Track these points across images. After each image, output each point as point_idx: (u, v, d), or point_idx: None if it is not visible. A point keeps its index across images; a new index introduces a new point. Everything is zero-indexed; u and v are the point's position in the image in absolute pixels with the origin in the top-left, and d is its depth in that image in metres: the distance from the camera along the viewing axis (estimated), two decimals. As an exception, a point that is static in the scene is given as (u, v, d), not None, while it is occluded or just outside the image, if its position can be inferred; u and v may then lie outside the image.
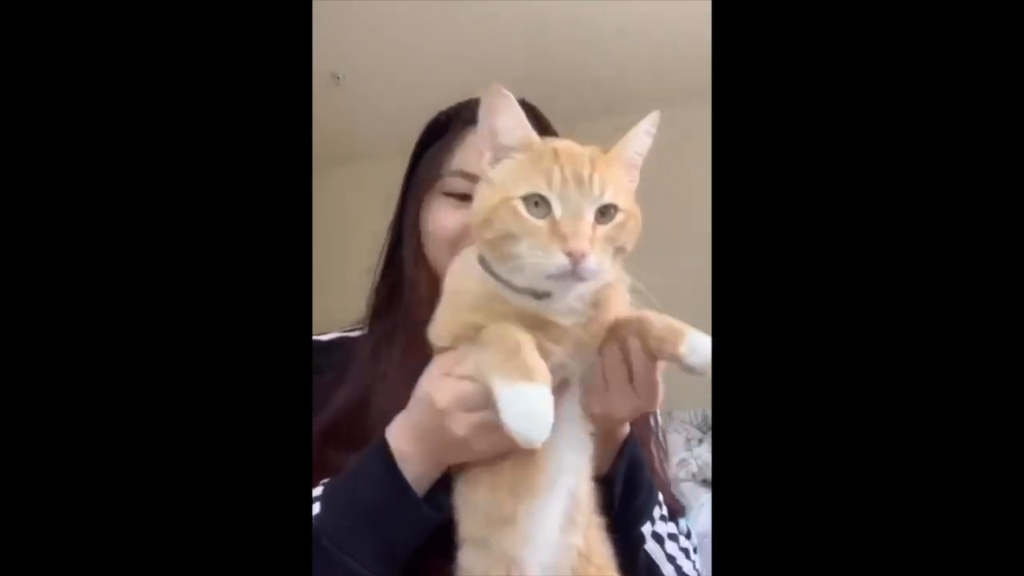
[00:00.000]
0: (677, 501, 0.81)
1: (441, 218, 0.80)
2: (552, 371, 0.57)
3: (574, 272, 0.56)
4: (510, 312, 0.61)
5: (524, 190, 0.58)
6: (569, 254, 0.55)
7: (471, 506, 0.64)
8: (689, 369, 0.58)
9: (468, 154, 0.79)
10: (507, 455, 0.62)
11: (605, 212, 0.59)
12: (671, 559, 0.73)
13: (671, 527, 0.75)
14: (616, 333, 0.63)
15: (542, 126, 0.89)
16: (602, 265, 0.57)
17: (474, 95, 0.92)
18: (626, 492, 0.70)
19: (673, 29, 2.80)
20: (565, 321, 0.61)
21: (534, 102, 0.91)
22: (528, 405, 0.53)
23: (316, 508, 0.64)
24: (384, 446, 0.64)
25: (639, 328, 0.61)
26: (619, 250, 0.60)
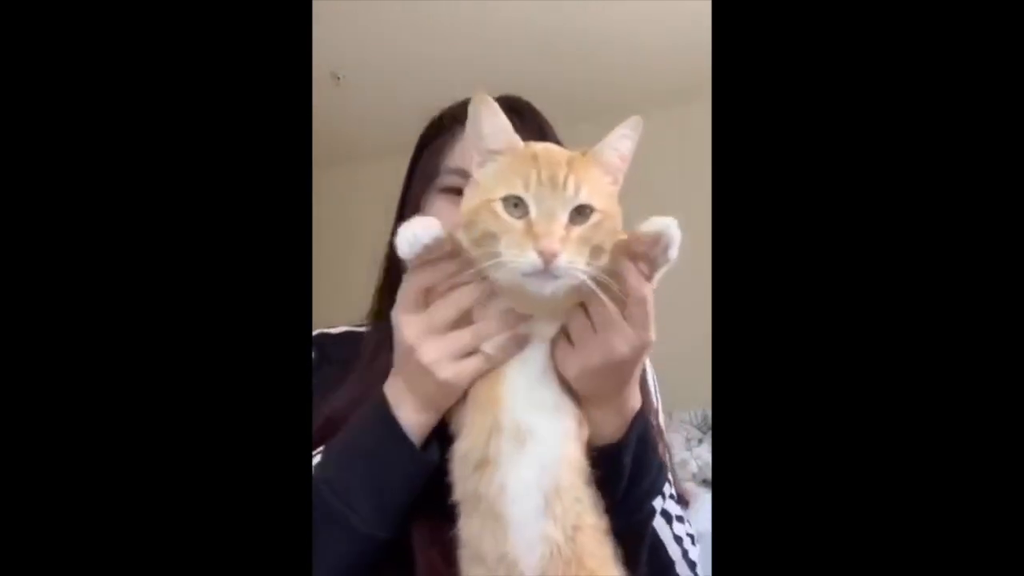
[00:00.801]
0: (681, 493, 0.81)
1: (439, 214, 0.80)
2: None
3: (546, 270, 0.59)
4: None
5: (503, 192, 0.61)
6: (540, 253, 0.58)
7: (459, 457, 0.66)
8: (652, 239, 0.60)
9: (465, 151, 0.80)
10: (473, 394, 0.66)
11: (581, 212, 0.61)
12: (678, 540, 0.74)
13: (679, 509, 0.76)
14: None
15: (538, 123, 0.90)
16: (575, 264, 0.60)
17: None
18: (636, 467, 0.70)
19: (673, 29, 2.80)
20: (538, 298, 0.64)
21: (532, 102, 0.91)
22: (409, 225, 0.63)
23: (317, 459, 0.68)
24: (382, 397, 0.68)
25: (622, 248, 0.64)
26: (596, 249, 0.62)
